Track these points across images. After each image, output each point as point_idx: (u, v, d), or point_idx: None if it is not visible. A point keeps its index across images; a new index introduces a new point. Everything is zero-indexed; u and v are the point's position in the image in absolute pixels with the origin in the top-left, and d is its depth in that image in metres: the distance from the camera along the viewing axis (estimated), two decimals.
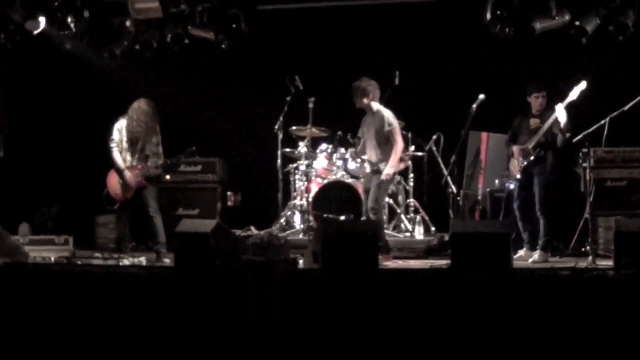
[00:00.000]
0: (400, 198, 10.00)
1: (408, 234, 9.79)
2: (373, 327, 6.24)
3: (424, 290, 6.34)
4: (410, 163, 10.02)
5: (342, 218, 9.19)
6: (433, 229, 9.92)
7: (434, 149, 9.96)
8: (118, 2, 10.06)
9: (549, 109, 8.66)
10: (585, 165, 8.81)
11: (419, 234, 9.76)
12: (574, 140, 8.44)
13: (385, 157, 8.67)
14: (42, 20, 9.91)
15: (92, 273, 7.06)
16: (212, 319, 6.46)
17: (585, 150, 8.63)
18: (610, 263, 7.00)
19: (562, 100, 8.49)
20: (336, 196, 9.61)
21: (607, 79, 9.25)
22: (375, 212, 8.57)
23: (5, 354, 6.65)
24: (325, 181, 9.76)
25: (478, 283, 6.22)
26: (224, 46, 10.34)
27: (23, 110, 10.27)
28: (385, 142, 8.70)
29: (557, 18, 9.28)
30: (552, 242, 8.66)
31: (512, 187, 8.90)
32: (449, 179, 9.14)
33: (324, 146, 10.03)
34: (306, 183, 9.93)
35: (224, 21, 10.27)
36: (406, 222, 9.88)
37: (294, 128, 10.14)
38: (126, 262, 7.94)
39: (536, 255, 8.50)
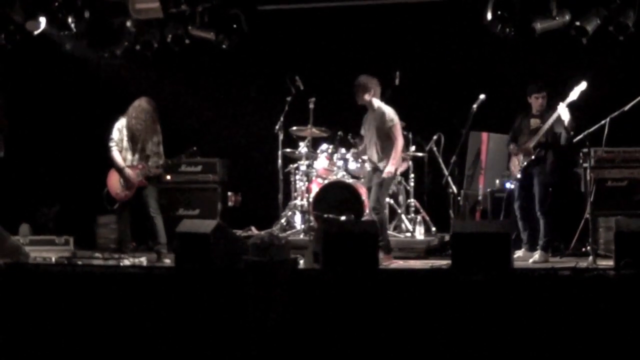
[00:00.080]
0: (401, 198, 10.00)
1: (408, 234, 9.80)
2: (373, 327, 6.24)
3: (424, 290, 6.34)
4: (410, 163, 10.03)
5: (343, 218, 9.19)
6: (433, 229, 9.92)
7: (435, 149, 9.96)
8: (118, 2, 10.05)
9: (549, 109, 8.68)
10: (585, 165, 8.81)
11: (420, 234, 9.77)
12: (575, 140, 8.45)
13: (386, 154, 8.66)
14: (42, 21, 9.89)
15: (92, 273, 7.07)
16: (212, 319, 6.46)
17: (585, 150, 8.64)
18: (610, 263, 7.01)
19: (562, 100, 8.50)
20: (336, 196, 9.61)
21: (607, 79, 9.24)
22: (377, 212, 8.57)
23: (5, 354, 6.65)
24: (326, 181, 9.76)
25: (478, 283, 6.22)
26: (224, 46, 10.33)
27: (23, 110, 10.27)
28: (385, 139, 8.68)
29: (557, 18, 9.27)
30: (552, 242, 8.67)
31: (512, 186, 8.91)
32: (449, 179, 9.13)
33: (324, 146, 10.03)
34: (306, 183, 9.93)
35: (224, 21, 10.26)
36: (406, 222, 9.89)
37: (295, 128, 10.14)
38: (126, 262, 7.94)
39: (536, 255, 8.51)
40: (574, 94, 8.43)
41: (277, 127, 10.02)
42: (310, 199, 9.61)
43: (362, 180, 9.69)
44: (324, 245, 6.83)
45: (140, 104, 8.83)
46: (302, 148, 10.09)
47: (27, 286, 6.86)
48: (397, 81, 9.62)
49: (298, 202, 10.05)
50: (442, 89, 10.33)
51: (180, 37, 10.22)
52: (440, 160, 9.85)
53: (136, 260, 8.06)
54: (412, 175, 10.07)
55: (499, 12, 9.30)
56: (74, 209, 10.55)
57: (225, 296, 6.50)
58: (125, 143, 8.81)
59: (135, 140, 8.81)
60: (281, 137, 10.07)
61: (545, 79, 9.02)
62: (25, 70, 10.83)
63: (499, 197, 9.29)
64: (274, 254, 6.77)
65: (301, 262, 7.37)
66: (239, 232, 9.46)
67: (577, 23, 9.23)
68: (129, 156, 8.82)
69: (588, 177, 8.57)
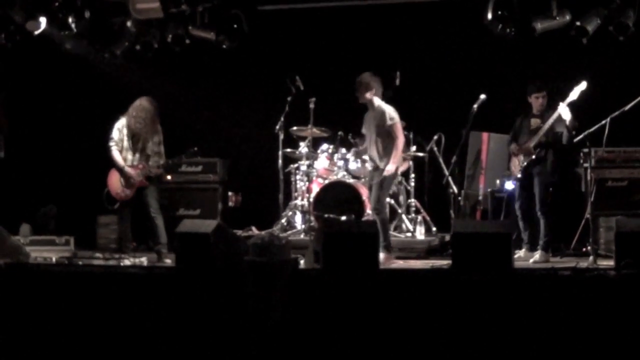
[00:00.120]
0: (401, 198, 10.00)
1: (409, 234, 9.79)
2: (374, 327, 6.24)
3: (424, 290, 6.34)
4: (411, 163, 10.02)
5: (343, 218, 9.19)
6: (434, 229, 9.91)
7: (435, 149, 9.96)
8: (118, 2, 10.06)
9: (549, 108, 8.68)
10: (585, 165, 8.81)
11: (420, 234, 9.76)
12: (575, 140, 8.46)
13: (386, 153, 8.65)
14: (43, 21, 9.90)
15: (92, 273, 7.07)
16: (213, 319, 6.46)
17: (585, 150, 8.65)
18: (611, 263, 7.00)
19: (562, 99, 8.50)
20: (337, 196, 9.61)
21: (607, 79, 9.24)
22: (378, 212, 8.57)
23: (5, 354, 6.65)
24: (326, 181, 9.76)
25: (479, 283, 6.22)
26: (224, 46, 10.34)
27: (23, 110, 10.28)
28: (386, 137, 8.66)
29: (557, 18, 9.28)
30: (552, 242, 8.67)
31: (512, 186, 8.91)
32: (449, 179, 9.14)
33: (324, 146, 10.03)
34: (307, 183, 9.93)
35: (225, 21, 10.27)
36: (407, 222, 9.88)
37: (295, 128, 10.14)
38: (127, 262, 7.93)
39: (537, 255, 8.50)
40: (574, 94, 8.43)
41: (277, 127, 10.02)
42: (311, 199, 9.61)
43: (363, 180, 9.69)
44: (324, 245, 6.82)
45: (141, 103, 8.82)
46: (303, 148, 10.09)
47: (27, 286, 6.87)
48: (397, 81, 9.62)
49: (298, 202, 10.05)
50: (442, 89, 10.33)
51: (181, 37, 10.24)
52: (441, 160, 9.85)
53: (137, 260, 8.05)
54: (412, 175, 10.07)
55: (499, 12, 9.32)
56: (75, 209, 10.55)
57: (226, 296, 6.50)
58: (125, 143, 8.80)
59: (135, 139, 8.80)
60: (281, 137, 10.07)
61: (545, 79, 9.02)
62: (26, 70, 10.84)
63: (500, 197, 9.29)
64: (275, 254, 6.77)
65: (302, 262, 7.36)
66: (239, 232, 9.45)
67: (577, 23, 9.24)
68: (130, 156, 8.81)
69: (588, 177, 8.57)
